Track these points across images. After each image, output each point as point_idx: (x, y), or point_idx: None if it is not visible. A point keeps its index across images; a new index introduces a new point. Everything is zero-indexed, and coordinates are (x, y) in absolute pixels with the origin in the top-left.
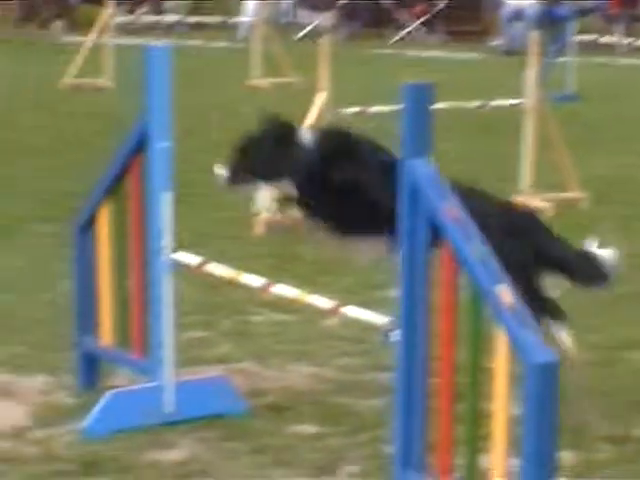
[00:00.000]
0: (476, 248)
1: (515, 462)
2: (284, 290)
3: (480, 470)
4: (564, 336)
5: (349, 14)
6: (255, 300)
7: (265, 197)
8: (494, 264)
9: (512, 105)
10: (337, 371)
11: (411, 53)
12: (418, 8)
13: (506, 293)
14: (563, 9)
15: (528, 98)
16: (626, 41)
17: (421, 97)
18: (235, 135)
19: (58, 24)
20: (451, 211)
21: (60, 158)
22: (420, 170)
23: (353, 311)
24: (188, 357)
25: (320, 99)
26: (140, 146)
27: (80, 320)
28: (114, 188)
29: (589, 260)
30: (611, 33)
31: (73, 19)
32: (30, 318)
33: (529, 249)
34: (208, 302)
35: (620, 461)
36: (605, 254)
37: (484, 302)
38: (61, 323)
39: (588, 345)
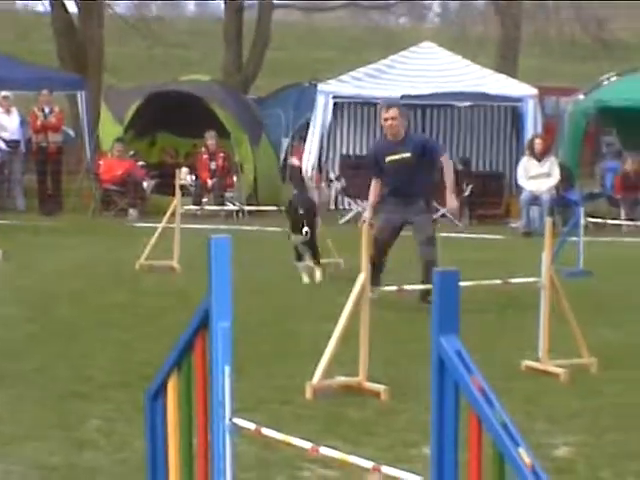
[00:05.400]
0: (498, 414)
1: None
2: (330, 450)
3: None
4: None
5: None
6: (305, 457)
7: None
8: (514, 428)
9: (530, 282)
10: None
11: (441, 234)
12: None
13: (525, 454)
14: (574, 194)
15: (543, 275)
16: (629, 222)
17: (449, 281)
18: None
19: (133, 212)
20: (476, 382)
21: (133, 331)
22: (449, 346)
23: (390, 469)
24: None
25: (361, 279)
26: (204, 324)
27: (152, 476)
28: (181, 361)
29: None
30: (616, 215)
31: (146, 208)
32: (109, 473)
33: None
34: (263, 459)
35: None
36: None
37: (506, 461)
38: (135, 479)
39: None
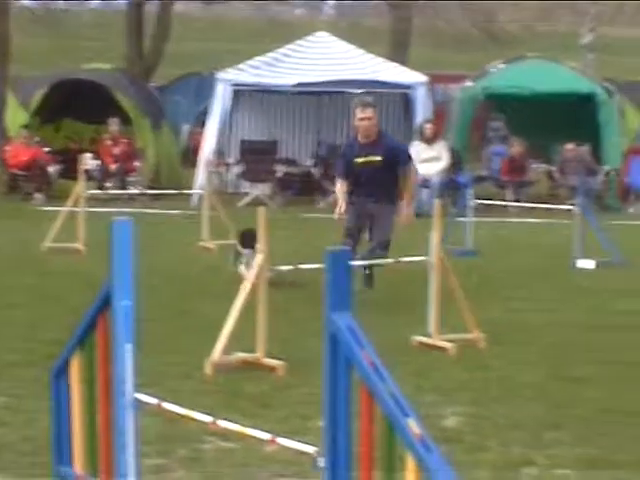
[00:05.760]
0: (388, 387)
1: None
2: (229, 424)
3: None
4: None
5: (284, 184)
6: (206, 430)
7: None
8: (404, 400)
9: (420, 261)
10: None
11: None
12: None
13: (414, 424)
14: (462, 177)
15: (433, 254)
16: (515, 203)
17: (341, 261)
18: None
19: (39, 196)
20: (367, 357)
21: (39, 312)
22: (341, 322)
23: (287, 441)
24: None
25: (259, 259)
26: (106, 303)
27: (57, 452)
28: (84, 339)
29: None
30: (503, 197)
31: (52, 192)
32: (16, 449)
33: None
34: (165, 433)
35: None
36: None
37: (396, 431)
38: (41, 454)
39: None
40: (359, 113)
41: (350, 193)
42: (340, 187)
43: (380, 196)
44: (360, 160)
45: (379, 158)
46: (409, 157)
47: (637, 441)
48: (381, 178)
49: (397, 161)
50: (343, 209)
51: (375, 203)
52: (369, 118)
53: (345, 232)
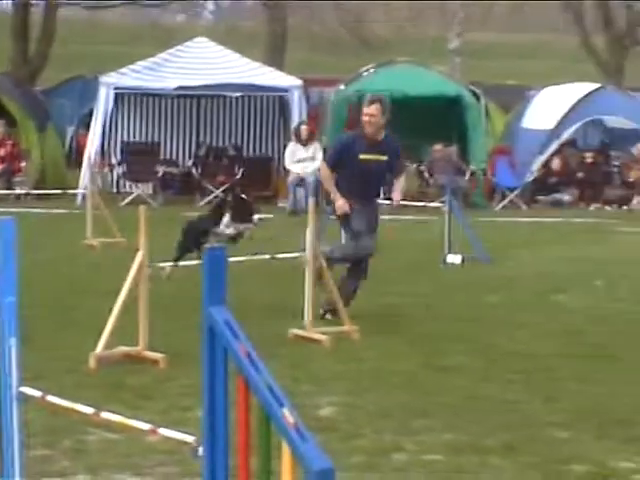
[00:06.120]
0: (264, 377)
1: None
2: (112, 415)
3: None
4: None
5: (165, 184)
6: (90, 422)
7: None
8: (279, 390)
9: (295, 257)
10: (157, 479)
11: None
12: (220, 178)
13: (288, 414)
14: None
15: (308, 250)
16: (387, 201)
17: (217, 257)
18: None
19: None
20: (243, 349)
21: None
22: (218, 316)
23: (167, 431)
24: (34, 472)
25: (139, 256)
26: None
27: None
28: None
29: None
30: None
31: None
32: None
33: None
34: (50, 425)
35: None
36: None
37: (272, 421)
38: None
39: None
40: (364, 109)
41: (345, 191)
42: (329, 178)
43: (372, 198)
44: (366, 157)
45: (385, 157)
46: (403, 166)
47: (503, 427)
48: (381, 178)
49: (395, 159)
50: (346, 207)
51: (367, 206)
52: (372, 115)
53: (354, 235)
